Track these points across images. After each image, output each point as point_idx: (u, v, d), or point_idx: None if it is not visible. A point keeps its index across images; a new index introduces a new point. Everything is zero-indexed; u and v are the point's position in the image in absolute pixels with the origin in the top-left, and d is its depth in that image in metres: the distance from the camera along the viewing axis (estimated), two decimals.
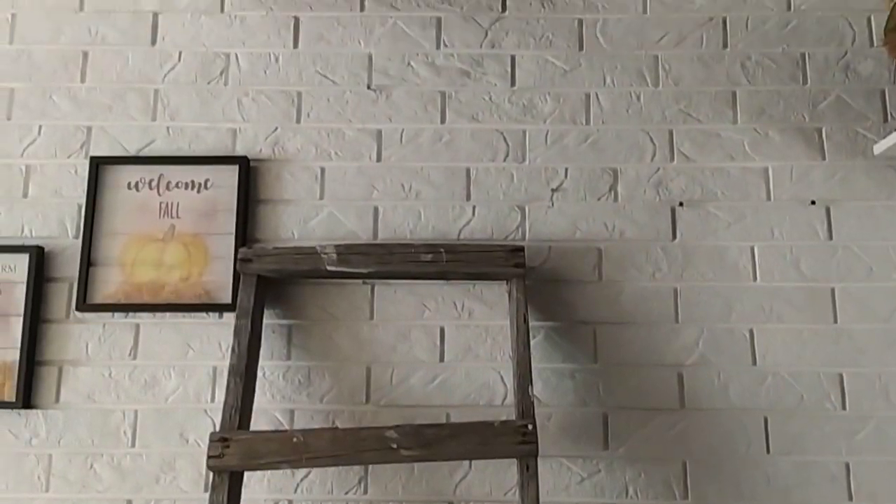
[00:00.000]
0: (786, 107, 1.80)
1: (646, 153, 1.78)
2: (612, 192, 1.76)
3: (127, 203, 1.74)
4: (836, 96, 1.80)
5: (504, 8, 1.85)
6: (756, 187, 1.76)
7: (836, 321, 1.70)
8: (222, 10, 1.86)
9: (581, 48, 1.83)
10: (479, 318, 1.71)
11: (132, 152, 1.79)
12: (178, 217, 1.73)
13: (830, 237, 1.74)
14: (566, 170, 1.78)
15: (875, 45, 1.81)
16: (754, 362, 1.68)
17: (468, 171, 1.78)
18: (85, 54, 1.84)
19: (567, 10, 1.85)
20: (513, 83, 1.82)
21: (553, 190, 1.77)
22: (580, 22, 1.85)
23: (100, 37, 1.85)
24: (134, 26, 1.85)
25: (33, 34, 1.85)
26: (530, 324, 1.68)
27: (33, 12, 1.86)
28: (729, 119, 1.79)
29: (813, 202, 1.75)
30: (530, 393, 1.51)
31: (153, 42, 1.84)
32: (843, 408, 1.66)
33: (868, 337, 1.69)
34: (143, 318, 1.71)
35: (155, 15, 1.86)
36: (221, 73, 1.83)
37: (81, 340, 1.71)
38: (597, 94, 1.81)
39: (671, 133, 1.79)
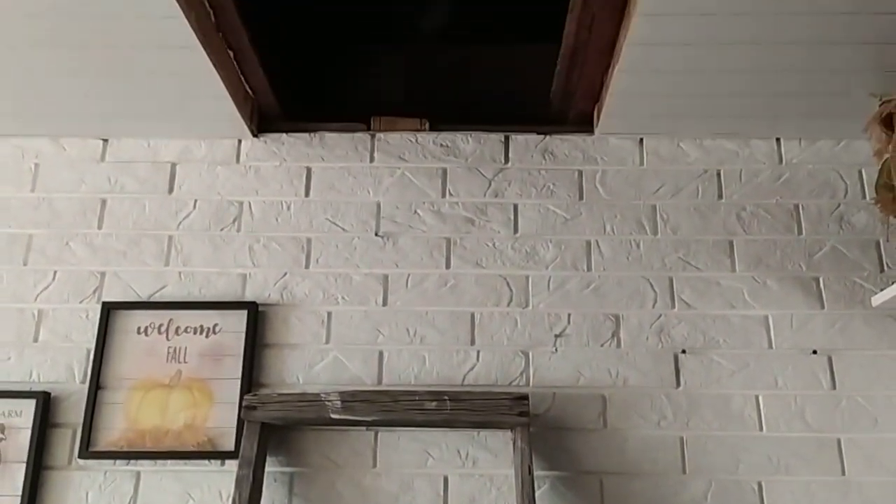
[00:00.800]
0: (783, 256, 1.84)
1: (647, 300, 1.81)
2: (615, 339, 1.78)
3: (136, 348, 1.76)
4: (832, 247, 1.84)
5: (507, 160, 1.93)
6: (757, 335, 1.78)
7: (843, 473, 1.67)
8: (238, 160, 1.94)
9: (581, 198, 1.90)
10: (484, 466, 1.69)
11: (144, 297, 1.83)
12: (185, 362, 1.75)
13: (834, 387, 1.74)
14: (569, 315, 1.80)
15: (867, 197, 1.87)
16: None
17: (472, 315, 1.81)
18: (103, 202, 1.91)
19: (567, 162, 1.93)
20: (516, 231, 1.87)
21: (556, 335, 1.79)
22: (580, 173, 1.92)
23: (119, 185, 1.93)
24: (153, 176, 1.93)
25: (55, 183, 1.93)
26: (535, 474, 1.66)
27: (56, 162, 1.95)
28: (727, 267, 1.84)
29: (815, 352, 1.76)
30: None
31: (170, 190, 1.92)
32: None
33: (878, 490, 1.66)
34: (145, 466, 1.70)
35: (173, 165, 1.94)
36: (234, 221, 1.89)
37: (82, 489, 1.69)
38: (597, 242, 1.86)
39: (671, 280, 1.83)
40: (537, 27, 2.20)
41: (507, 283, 1.83)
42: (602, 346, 1.78)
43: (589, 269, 1.84)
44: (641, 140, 1.95)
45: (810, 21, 1.51)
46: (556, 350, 1.78)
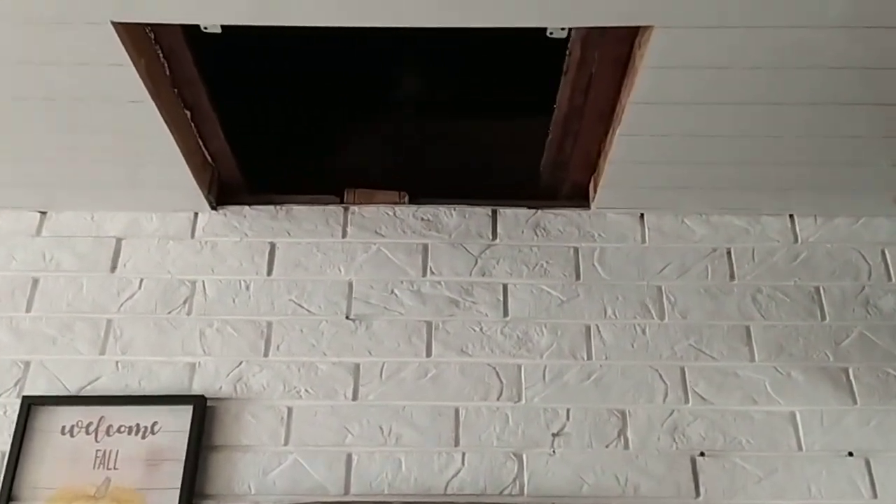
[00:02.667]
0: (806, 344, 1.64)
1: (657, 393, 1.59)
2: (622, 438, 1.54)
3: (58, 451, 1.49)
4: (859, 333, 1.65)
5: (495, 235, 1.74)
6: (784, 435, 1.55)
7: None
8: (193, 235, 1.73)
9: (578, 277, 1.70)
10: None
11: (72, 391, 1.57)
12: (115, 468, 1.47)
13: (875, 494, 1.50)
14: (568, 411, 1.57)
15: (893, 279, 1.69)
16: None
17: (457, 411, 1.57)
18: (35, 281, 1.68)
19: (562, 239, 1.74)
20: (505, 313, 1.66)
21: (554, 434, 1.55)
22: (576, 250, 1.73)
23: (54, 263, 1.70)
24: (94, 252, 1.71)
25: None
26: None
27: None
28: (746, 357, 1.62)
29: (850, 454, 1.53)
30: None
31: (113, 268, 1.69)
32: None
33: None
34: None
35: (118, 240, 1.72)
36: (185, 302, 1.66)
37: None
38: (598, 327, 1.65)
39: (683, 371, 1.61)
40: (524, 98, 2.06)
41: (497, 374, 1.60)
42: (607, 446, 1.53)
43: (589, 357, 1.62)
44: (642, 215, 1.77)
45: (827, 78, 1.36)
46: (553, 452, 1.53)
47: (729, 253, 1.74)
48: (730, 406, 1.58)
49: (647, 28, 1.26)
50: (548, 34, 1.25)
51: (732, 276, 1.71)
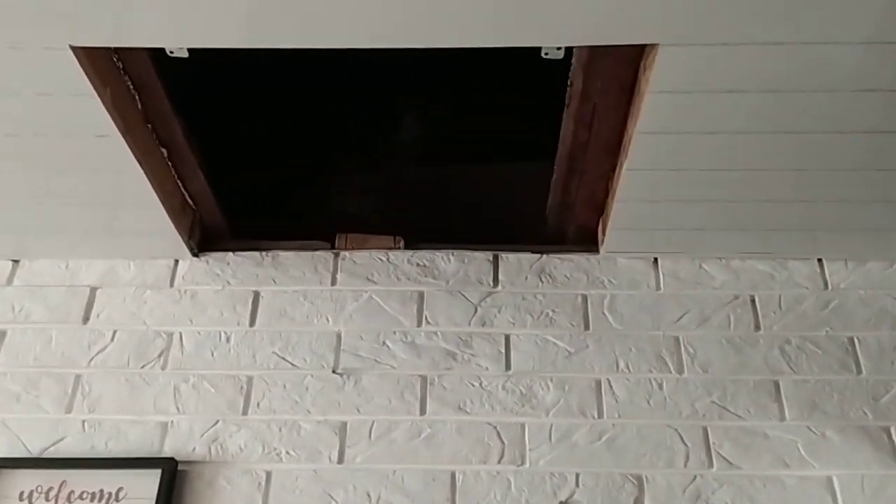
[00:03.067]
0: (841, 400, 1.47)
1: (677, 456, 1.42)
2: None
3: None
4: None
5: (496, 282, 1.61)
6: (821, 503, 1.38)
7: None
8: (172, 283, 1.61)
9: (587, 327, 1.56)
10: None
11: (34, 453, 1.44)
12: None
13: None
14: (577, 476, 1.41)
15: None
16: None
17: (453, 475, 1.41)
18: (2, 333, 1.56)
19: (568, 286, 1.60)
20: (507, 367, 1.51)
21: (562, 503, 1.38)
22: (584, 298, 1.59)
23: (24, 314, 1.58)
24: (66, 302, 1.59)
25: None
26: None
27: None
28: (775, 415, 1.46)
29: None
30: None
31: (85, 320, 1.58)
32: None
33: None
34: None
35: (92, 290, 1.61)
36: (160, 355, 1.53)
37: None
38: (609, 382, 1.50)
39: (706, 431, 1.45)
40: (523, 144, 1.97)
41: (498, 434, 1.45)
42: None
43: (600, 415, 1.46)
44: (656, 260, 1.63)
45: (855, 102, 1.23)
46: None
47: (753, 300, 1.59)
48: (759, 471, 1.41)
49: (652, 47, 1.15)
50: (543, 55, 1.14)
51: (757, 326, 1.56)
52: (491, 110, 1.84)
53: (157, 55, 1.25)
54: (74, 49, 1.13)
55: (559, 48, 1.14)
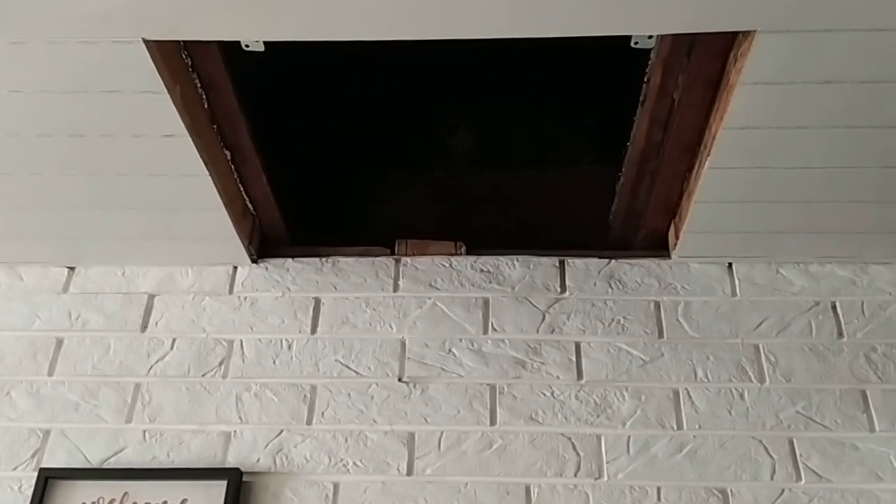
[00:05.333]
0: None
1: (762, 469, 1.35)
2: None
3: None
4: None
5: (564, 288, 1.55)
6: None
7: None
8: (231, 290, 1.58)
9: (661, 335, 1.50)
10: None
11: (95, 463, 1.40)
12: None
13: None
14: (658, 490, 1.34)
15: None
16: None
17: (528, 489, 1.35)
18: (59, 342, 1.53)
19: (640, 292, 1.55)
20: (579, 376, 1.46)
21: None
22: (657, 304, 1.53)
23: (81, 322, 1.55)
24: (123, 310, 1.56)
25: (3, 319, 1.56)
26: None
27: (8, 295, 1.59)
28: (864, 426, 1.39)
29: None
30: None
31: (143, 328, 1.54)
32: None
33: None
34: None
35: (150, 297, 1.57)
36: (221, 364, 1.49)
37: None
38: (688, 391, 1.44)
39: (792, 443, 1.38)
40: (584, 149, 1.92)
41: (573, 445, 1.39)
42: None
43: (680, 426, 1.40)
44: (730, 265, 1.57)
45: None
46: None
47: (834, 307, 1.52)
48: (850, 484, 1.34)
49: (747, 35, 1.09)
50: (633, 44, 1.09)
51: (840, 334, 1.49)
52: (551, 112, 1.80)
53: (228, 52, 1.22)
54: (147, 43, 1.10)
55: (650, 37, 1.09)
